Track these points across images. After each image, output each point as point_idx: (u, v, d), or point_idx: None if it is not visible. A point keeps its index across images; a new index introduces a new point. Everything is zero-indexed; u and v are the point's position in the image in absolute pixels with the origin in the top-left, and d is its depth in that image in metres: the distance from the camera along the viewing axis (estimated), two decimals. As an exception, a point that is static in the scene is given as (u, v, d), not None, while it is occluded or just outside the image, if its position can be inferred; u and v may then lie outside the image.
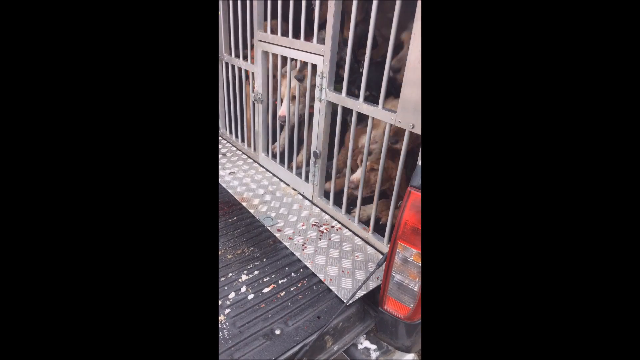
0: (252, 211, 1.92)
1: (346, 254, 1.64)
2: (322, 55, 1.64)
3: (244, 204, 1.98)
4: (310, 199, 2.05)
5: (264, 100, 2.23)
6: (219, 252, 1.60)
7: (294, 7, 1.73)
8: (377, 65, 1.66)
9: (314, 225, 1.84)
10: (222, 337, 1.21)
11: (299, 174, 2.13)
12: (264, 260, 1.57)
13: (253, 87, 2.34)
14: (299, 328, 1.26)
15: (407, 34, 1.59)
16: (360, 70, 1.62)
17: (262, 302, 1.35)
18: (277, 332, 1.24)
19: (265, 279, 1.46)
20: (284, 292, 1.40)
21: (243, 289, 1.40)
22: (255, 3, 1.98)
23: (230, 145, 2.73)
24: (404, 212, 1.12)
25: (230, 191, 2.10)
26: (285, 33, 1.85)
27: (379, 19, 1.44)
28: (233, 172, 2.32)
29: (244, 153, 2.60)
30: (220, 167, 2.39)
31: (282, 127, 2.36)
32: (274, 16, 1.90)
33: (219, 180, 2.21)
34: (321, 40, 1.64)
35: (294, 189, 2.17)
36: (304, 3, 1.67)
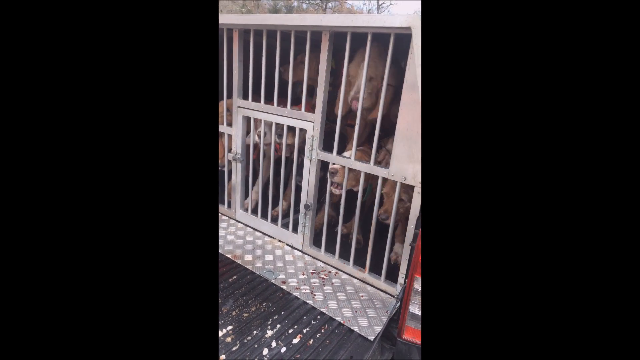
0: (249, 267, 1.97)
1: (352, 295, 1.81)
2: (312, 122, 1.90)
3: (239, 261, 2.02)
4: (300, 248, 2.19)
5: (243, 160, 2.36)
6: (233, 313, 1.62)
7: (279, 81, 1.99)
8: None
9: (313, 272, 1.97)
10: (271, 395, 1.25)
11: (284, 226, 2.26)
12: (282, 313, 1.64)
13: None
14: (337, 371, 1.37)
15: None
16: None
17: (296, 353, 1.42)
18: (320, 378, 1.33)
19: (290, 331, 1.54)
20: (312, 340, 1.50)
21: (274, 344, 1.46)
22: (234, 74, 2.17)
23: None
24: (419, 251, 1.38)
25: (219, 250, 2.11)
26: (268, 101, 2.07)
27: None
28: (214, 231, 2.33)
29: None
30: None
31: (254, 182, 2.50)
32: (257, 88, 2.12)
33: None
34: (310, 108, 1.90)
35: (280, 241, 2.28)
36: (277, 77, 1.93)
